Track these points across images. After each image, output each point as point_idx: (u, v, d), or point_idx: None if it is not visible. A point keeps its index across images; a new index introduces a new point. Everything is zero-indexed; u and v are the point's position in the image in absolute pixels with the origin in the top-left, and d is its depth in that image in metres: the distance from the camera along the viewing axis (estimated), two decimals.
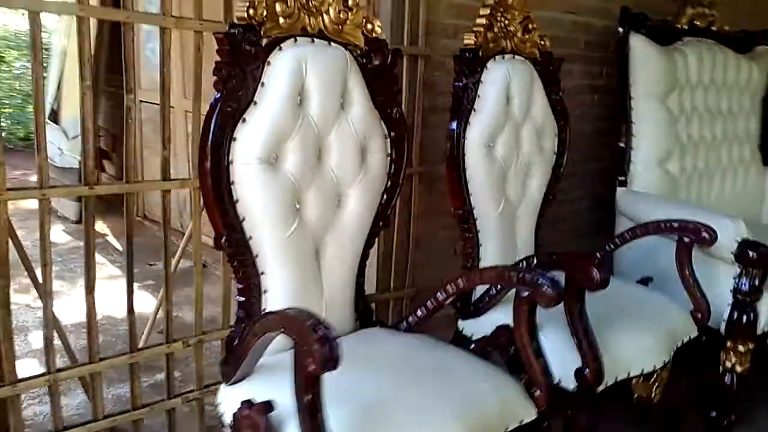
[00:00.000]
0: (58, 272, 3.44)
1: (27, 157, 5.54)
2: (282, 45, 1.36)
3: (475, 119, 1.77)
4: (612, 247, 2.11)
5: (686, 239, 1.87)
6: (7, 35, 7.14)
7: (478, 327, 1.76)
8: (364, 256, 1.61)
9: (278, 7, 1.33)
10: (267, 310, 1.41)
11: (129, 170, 1.73)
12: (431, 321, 1.64)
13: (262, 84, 1.34)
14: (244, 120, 1.32)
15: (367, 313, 1.65)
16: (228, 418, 1.31)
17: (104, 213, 4.19)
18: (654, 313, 1.83)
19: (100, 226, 4.33)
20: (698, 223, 1.86)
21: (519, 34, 1.86)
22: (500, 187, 1.86)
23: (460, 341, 1.81)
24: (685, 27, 2.72)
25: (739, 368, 2.12)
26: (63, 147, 4.49)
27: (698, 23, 2.75)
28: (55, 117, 4.69)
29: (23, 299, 2.91)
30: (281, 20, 1.34)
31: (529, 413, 1.39)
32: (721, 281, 2.08)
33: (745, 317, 2.07)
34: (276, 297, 1.42)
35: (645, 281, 2.04)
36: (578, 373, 1.56)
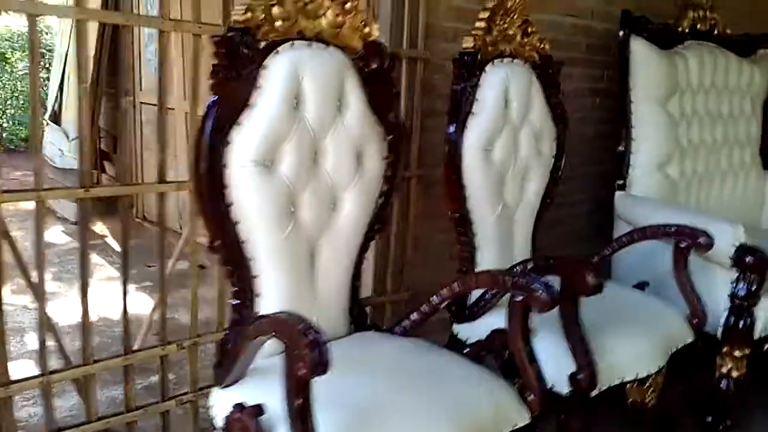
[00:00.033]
0: (56, 273, 3.45)
1: (29, 158, 5.57)
2: (279, 48, 1.36)
3: (473, 123, 1.77)
4: (609, 251, 2.10)
5: (683, 244, 1.87)
6: (11, 36, 7.17)
7: (473, 331, 1.76)
8: (360, 260, 1.60)
9: (275, 11, 1.33)
10: (260, 314, 1.41)
11: (125, 173, 1.73)
12: (427, 325, 1.64)
13: (258, 87, 1.33)
14: (239, 123, 1.32)
15: (361, 316, 1.65)
16: (220, 421, 1.31)
17: (104, 214, 4.19)
18: (649, 318, 1.82)
19: (100, 227, 4.33)
20: (695, 228, 1.85)
21: (518, 38, 1.86)
22: (498, 191, 1.86)
23: (455, 345, 1.81)
24: (687, 30, 2.71)
25: (735, 373, 2.11)
26: (63, 148, 4.50)
27: (699, 26, 2.74)
28: (56, 118, 4.70)
29: (20, 300, 2.91)
30: (278, 24, 1.34)
31: (522, 418, 1.39)
32: (718, 286, 2.08)
33: (741, 322, 2.07)
34: (270, 300, 1.42)
35: (641, 286, 2.03)
36: (572, 378, 1.56)
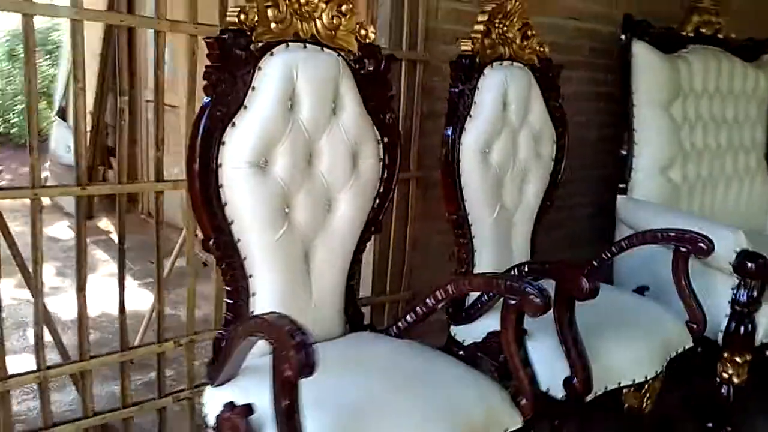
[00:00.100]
0: (60, 268, 3.48)
1: (42, 154, 5.60)
2: (273, 50, 1.36)
3: (470, 125, 1.77)
4: (608, 255, 2.09)
5: (682, 249, 1.86)
6: (20, 32, 7.21)
7: (470, 333, 1.76)
8: (355, 261, 1.60)
9: (270, 13, 1.33)
10: (255, 313, 1.41)
11: (122, 171, 1.74)
12: (425, 325, 1.64)
13: (253, 88, 1.34)
14: (233, 124, 1.32)
15: (357, 317, 1.65)
16: (212, 420, 1.32)
17: (109, 210, 4.22)
18: (648, 322, 1.81)
19: (105, 223, 4.36)
20: (695, 234, 1.84)
21: (518, 41, 1.85)
22: (495, 193, 1.86)
23: (453, 346, 1.81)
24: (691, 35, 2.69)
25: (736, 380, 2.10)
26: (71, 144, 4.52)
27: (704, 31, 2.72)
28: (63, 114, 4.73)
29: (24, 294, 2.93)
30: (273, 25, 1.34)
31: (514, 421, 1.39)
32: (719, 291, 2.06)
33: (743, 328, 2.05)
34: (264, 300, 1.42)
35: (641, 290, 2.02)
36: (567, 382, 1.55)
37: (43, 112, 6.87)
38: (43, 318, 1.72)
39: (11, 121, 7.35)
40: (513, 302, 1.37)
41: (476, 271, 1.85)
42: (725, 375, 2.10)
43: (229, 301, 1.42)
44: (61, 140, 4.64)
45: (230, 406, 1.24)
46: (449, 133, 1.75)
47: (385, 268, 2.26)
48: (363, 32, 1.48)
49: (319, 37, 1.43)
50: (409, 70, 2.13)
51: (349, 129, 1.48)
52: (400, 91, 2.10)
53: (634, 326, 1.77)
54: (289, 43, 1.38)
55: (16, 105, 7.32)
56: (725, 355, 2.09)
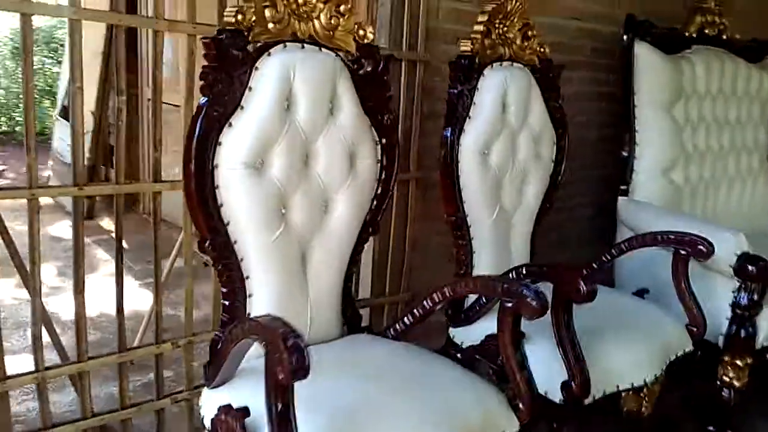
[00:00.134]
0: (61, 268, 3.48)
1: (41, 152, 5.61)
2: (271, 50, 1.35)
3: (469, 126, 1.76)
4: (607, 258, 2.08)
5: (682, 252, 1.84)
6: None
7: (469, 335, 1.75)
8: (353, 262, 1.60)
9: (267, 13, 1.33)
10: (252, 315, 1.41)
11: (120, 171, 1.74)
12: (425, 327, 1.63)
13: (250, 89, 1.33)
14: (230, 124, 1.32)
15: (355, 318, 1.65)
16: (208, 422, 1.32)
17: (110, 210, 4.20)
18: (647, 325, 1.80)
19: (107, 222, 4.36)
20: (695, 236, 1.83)
21: (518, 41, 1.84)
22: (495, 195, 1.85)
23: (451, 349, 1.80)
24: (694, 35, 2.68)
25: (737, 383, 2.09)
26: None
27: (708, 31, 2.71)
28: (66, 113, 4.74)
29: (25, 294, 2.93)
30: (270, 25, 1.33)
31: (512, 424, 1.38)
32: (719, 294, 2.06)
33: (743, 331, 2.05)
34: (261, 301, 1.42)
35: (642, 292, 2.01)
36: (565, 386, 1.54)
37: (46, 110, 6.90)
38: (42, 318, 1.72)
39: (16, 119, 7.38)
40: (510, 305, 1.36)
41: (475, 272, 1.84)
42: (726, 378, 2.09)
43: (225, 302, 1.41)
44: (64, 139, 4.64)
45: (226, 408, 1.24)
46: (448, 134, 1.74)
47: (385, 270, 2.26)
48: (361, 32, 1.47)
49: (317, 38, 1.42)
50: (410, 71, 2.12)
51: (347, 130, 1.48)
52: (400, 91, 2.10)
53: (633, 329, 1.76)
54: (287, 44, 1.38)
55: (20, 103, 7.34)
56: (726, 358, 2.08)
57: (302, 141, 1.42)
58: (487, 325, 1.67)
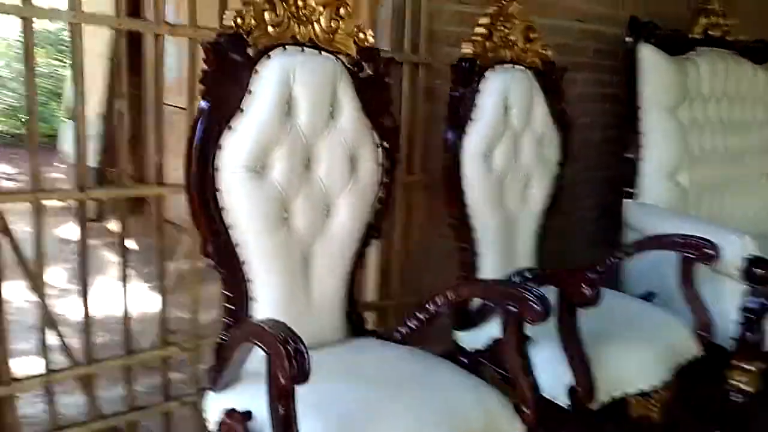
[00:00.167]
0: (71, 270, 3.49)
1: (50, 154, 5.66)
2: (271, 53, 1.35)
3: (472, 129, 1.76)
4: (613, 261, 2.07)
5: (689, 255, 1.83)
6: (35, 33, 7.32)
7: (475, 339, 1.74)
8: (356, 266, 1.59)
9: (267, 16, 1.33)
10: (254, 318, 1.41)
11: (121, 175, 1.75)
12: (432, 330, 1.62)
13: (250, 92, 1.33)
14: (230, 128, 1.32)
15: (359, 322, 1.64)
16: (212, 425, 1.32)
17: (119, 212, 4.23)
18: (654, 329, 1.78)
19: (117, 225, 4.37)
20: (701, 239, 1.81)
21: (520, 44, 1.84)
22: (498, 197, 1.84)
23: (456, 352, 1.79)
24: (699, 37, 2.66)
25: (746, 387, 2.06)
26: None
27: (712, 33, 2.69)
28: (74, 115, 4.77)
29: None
30: (270, 29, 1.34)
31: (514, 428, 1.37)
32: (727, 297, 2.04)
33: (753, 335, 2.02)
34: (263, 305, 1.42)
35: (649, 296, 2.00)
36: (571, 390, 1.54)
37: (55, 112, 6.95)
38: (49, 321, 1.73)
39: (24, 122, 7.45)
40: (512, 309, 1.35)
41: (480, 275, 1.84)
42: (736, 382, 2.06)
43: (228, 306, 1.42)
44: (72, 141, 4.67)
45: (229, 412, 1.25)
46: (450, 136, 1.74)
47: (391, 272, 2.25)
48: (362, 35, 1.47)
49: (317, 41, 1.42)
50: (412, 73, 2.12)
51: (347, 133, 1.47)
52: (402, 93, 2.09)
53: (640, 333, 1.75)
54: (287, 47, 1.38)
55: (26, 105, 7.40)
56: (735, 362, 2.05)
57: (303, 144, 1.42)
58: (492, 329, 1.66)
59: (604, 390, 1.56)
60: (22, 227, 1.79)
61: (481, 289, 1.57)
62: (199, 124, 1.28)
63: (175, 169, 1.82)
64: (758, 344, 2.03)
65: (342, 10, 1.43)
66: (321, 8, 1.40)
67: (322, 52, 1.44)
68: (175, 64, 3.74)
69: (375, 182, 1.55)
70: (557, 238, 2.09)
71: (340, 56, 1.46)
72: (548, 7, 2.37)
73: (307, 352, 1.01)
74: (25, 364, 1.65)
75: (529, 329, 1.40)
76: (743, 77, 2.72)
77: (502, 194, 1.85)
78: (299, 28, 1.38)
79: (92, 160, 4.43)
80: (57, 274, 3.39)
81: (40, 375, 1.68)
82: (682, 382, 1.81)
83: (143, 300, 2.67)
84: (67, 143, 4.86)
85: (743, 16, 2.82)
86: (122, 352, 1.82)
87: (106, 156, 4.57)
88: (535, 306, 1.30)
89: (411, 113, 2.13)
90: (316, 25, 1.41)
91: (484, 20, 1.74)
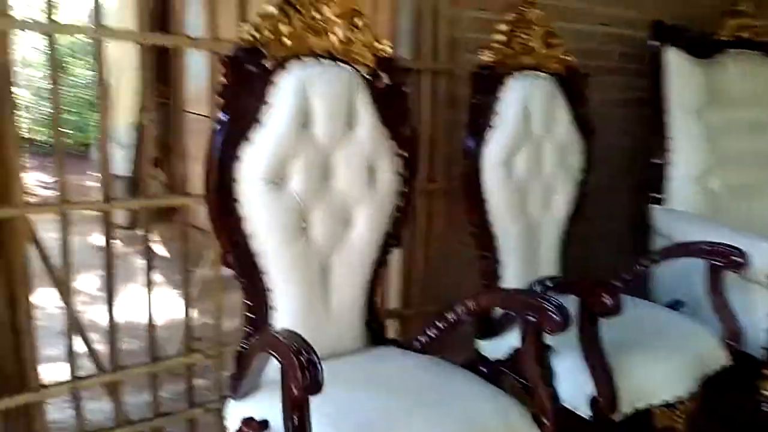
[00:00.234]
0: (102, 278, 3.56)
1: (85, 164, 5.80)
2: (287, 66, 1.37)
3: (492, 136, 1.75)
4: (638, 269, 2.03)
5: (716, 263, 1.78)
6: (72, 44, 7.52)
7: (496, 348, 1.73)
8: (376, 275, 1.59)
9: (283, 29, 1.34)
10: (275, 327, 1.42)
11: (141, 185, 1.78)
12: (453, 339, 1.61)
13: (267, 104, 1.35)
14: (248, 140, 1.34)
15: (379, 331, 1.64)
16: None
17: (153, 220, 4.30)
18: (680, 338, 1.75)
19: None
20: (728, 247, 1.77)
21: (540, 50, 1.82)
22: (520, 205, 1.83)
23: (477, 362, 1.78)
24: (728, 39, 2.60)
25: None
26: (116, 156, 4.66)
27: (742, 35, 2.63)
28: None
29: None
30: (287, 41, 1.35)
31: None
32: (758, 306, 1.98)
33: None
34: (283, 314, 1.43)
35: (676, 305, 1.95)
36: (593, 401, 1.51)
37: (89, 121, 7.13)
38: (76, 328, 1.77)
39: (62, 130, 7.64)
40: (531, 319, 1.34)
41: (502, 283, 1.83)
42: (767, 392, 2.01)
43: (249, 314, 1.43)
44: None
45: (247, 420, 1.26)
46: (471, 144, 1.73)
47: (412, 280, 2.25)
48: (379, 45, 1.47)
49: (334, 52, 1.43)
50: (433, 81, 2.11)
51: (365, 143, 1.48)
52: (420, 101, 2.09)
53: (665, 342, 1.71)
54: (304, 59, 1.39)
55: (64, 114, 7.60)
56: (766, 371, 2.00)
57: (321, 156, 1.43)
58: (514, 339, 1.64)
59: (627, 401, 1.53)
60: (53, 235, 1.84)
61: (501, 298, 1.56)
62: (217, 136, 1.30)
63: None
64: None
65: (358, 21, 1.43)
66: (337, 19, 1.41)
67: (339, 63, 1.45)
68: (201, 73, 3.81)
69: (394, 192, 1.55)
70: (581, 244, 2.06)
71: (358, 67, 1.47)
72: (572, 12, 2.34)
73: (320, 363, 1.02)
74: (53, 370, 1.69)
75: (550, 339, 1.39)
76: None
77: (524, 201, 1.84)
78: (315, 40, 1.39)
79: (125, 169, 4.53)
80: (89, 281, 3.46)
81: (68, 381, 1.73)
82: (710, 393, 1.76)
83: (171, 307, 2.72)
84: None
85: None
86: (148, 359, 1.86)
87: (139, 165, 4.67)
88: (554, 316, 1.29)
89: (432, 120, 2.12)
90: (332, 36, 1.41)
91: (502, 27, 1.73)
